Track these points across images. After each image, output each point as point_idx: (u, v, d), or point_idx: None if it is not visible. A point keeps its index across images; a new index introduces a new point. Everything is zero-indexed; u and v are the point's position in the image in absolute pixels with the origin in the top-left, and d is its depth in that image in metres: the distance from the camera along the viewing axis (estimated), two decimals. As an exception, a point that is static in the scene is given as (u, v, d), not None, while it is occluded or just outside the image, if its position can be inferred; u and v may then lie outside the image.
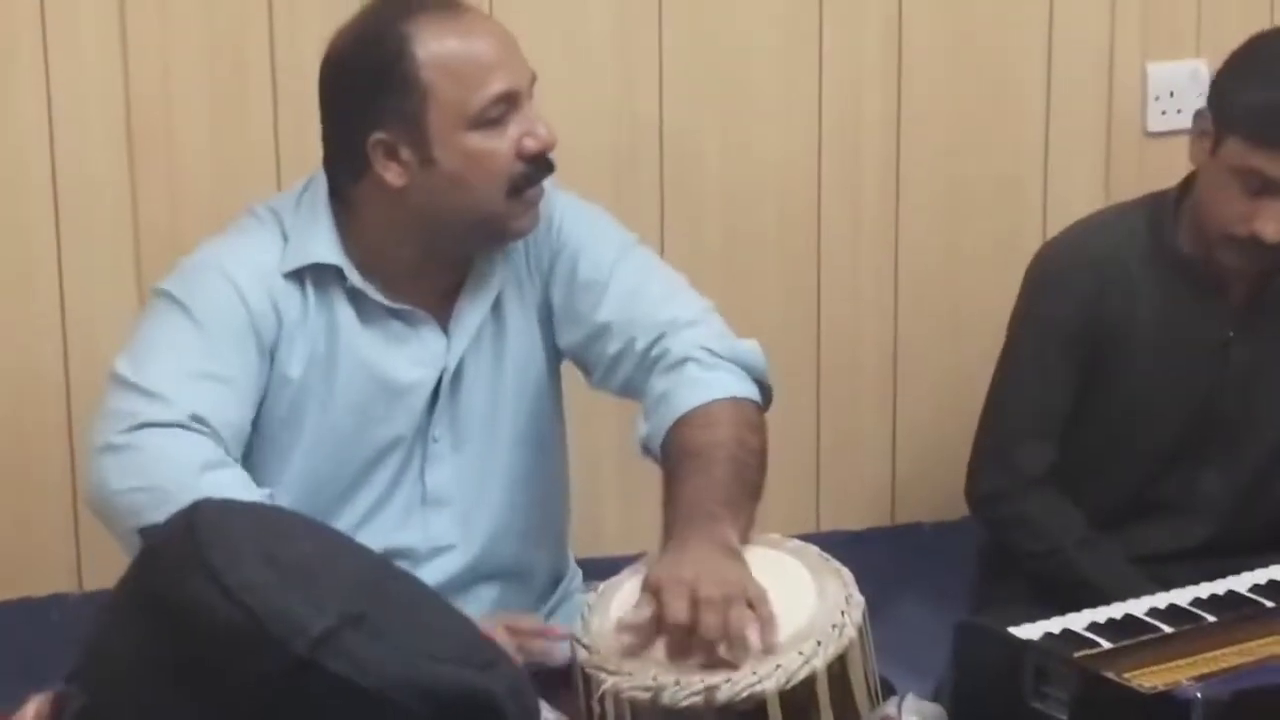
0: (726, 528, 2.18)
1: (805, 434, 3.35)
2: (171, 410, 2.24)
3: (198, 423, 2.24)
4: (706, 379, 2.39)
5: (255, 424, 2.36)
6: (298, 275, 2.40)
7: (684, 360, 2.40)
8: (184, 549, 1.24)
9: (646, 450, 2.40)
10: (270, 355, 2.38)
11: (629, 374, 2.46)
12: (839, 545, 2.89)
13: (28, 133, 2.91)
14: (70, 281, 2.94)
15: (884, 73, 3.29)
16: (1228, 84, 2.81)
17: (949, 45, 3.31)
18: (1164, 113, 3.23)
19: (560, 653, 2.22)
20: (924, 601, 2.85)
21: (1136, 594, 2.57)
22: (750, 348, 2.46)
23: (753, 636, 2.05)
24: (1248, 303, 2.88)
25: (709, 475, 2.26)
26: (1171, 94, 3.17)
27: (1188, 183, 2.88)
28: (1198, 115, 2.84)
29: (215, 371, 2.31)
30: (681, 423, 2.35)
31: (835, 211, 3.33)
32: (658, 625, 2.07)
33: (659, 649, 2.06)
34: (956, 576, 2.98)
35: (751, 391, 2.42)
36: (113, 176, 2.95)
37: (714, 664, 2.04)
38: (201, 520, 1.27)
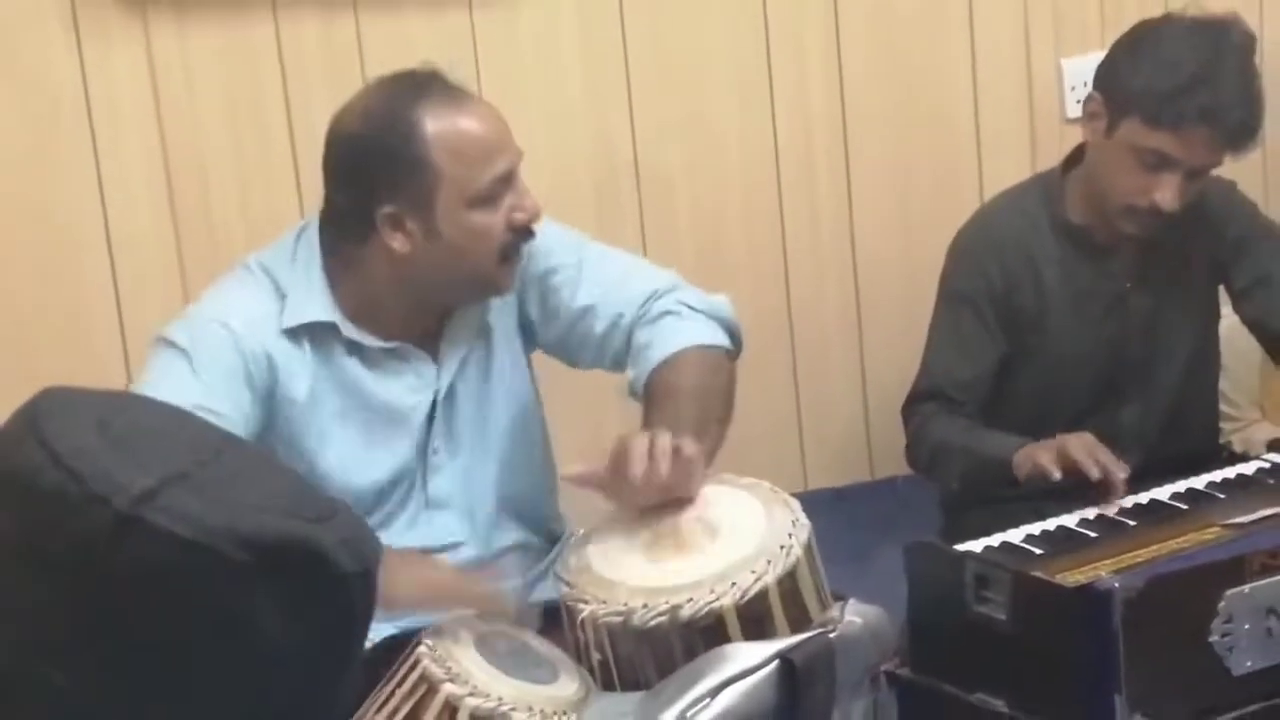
0: (690, 437, 2.30)
1: (787, 409, 3.48)
2: None
3: None
4: (681, 329, 2.59)
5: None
6: (294, 331, 2.49)
7: (664, 314, 2.59)
8: (21, 422, 1.23)
9: (633, 394, 2.58)
10: (269, 393, 2.46)
11: (619, 345, 2.63)
12: (825, 501, 3.02)
13: (81, 202, 3.00)
14: (131, 334, 3.05)
15: (828, 95, 3.42)
16: (1120, 70, 2.87)
17: (883, 61, 3.44)
18: (1079, 101, 3.17)
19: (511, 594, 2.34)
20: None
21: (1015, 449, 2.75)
22: (721, 301, 2.66)
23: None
24: (1137, 257, 2.99)
25: (676, 406, 2.44)
26: (1086, 84, 3.10)
27: (1070, 160, 3.00)
28: (1088, 99, 2.93)
29: (210, 407, 2.33)
30: (658, 368, 2.54)
31: (795, 219, 3.47)
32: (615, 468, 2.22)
33: (632, 573, 2.15)
34: (930, 524, 3.08)
35: (721, 339, 2.62)
36: (159, 235, 3.06)
37: (673, 502, 2.21)
38: (44, 398, 1.25)
